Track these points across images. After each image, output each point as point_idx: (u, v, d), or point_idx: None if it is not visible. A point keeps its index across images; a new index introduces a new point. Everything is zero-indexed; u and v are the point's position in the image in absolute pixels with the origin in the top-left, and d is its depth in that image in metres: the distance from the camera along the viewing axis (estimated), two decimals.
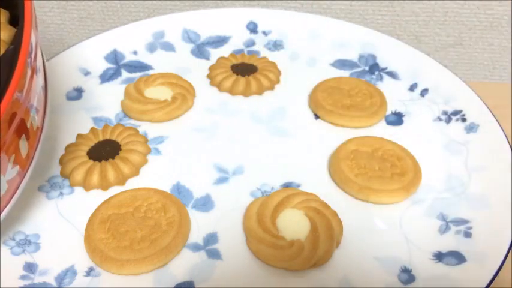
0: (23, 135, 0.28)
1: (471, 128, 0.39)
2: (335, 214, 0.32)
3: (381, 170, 0.35)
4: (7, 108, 0.24)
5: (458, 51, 0.58)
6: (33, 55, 0.28)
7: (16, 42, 0.27)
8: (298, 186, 0.35)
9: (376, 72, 0.46)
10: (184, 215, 0.32)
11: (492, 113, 0.39)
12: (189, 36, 0.49)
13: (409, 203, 0.35)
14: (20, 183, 0.29)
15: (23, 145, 0.28)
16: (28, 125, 0.28)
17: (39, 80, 0.30)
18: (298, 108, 0.42)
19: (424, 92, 0.43)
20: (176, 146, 0.38)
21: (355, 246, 0.32)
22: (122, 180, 0.35)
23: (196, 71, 0.46)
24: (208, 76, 0.45)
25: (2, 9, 0.30)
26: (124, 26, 0.48)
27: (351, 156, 0.36)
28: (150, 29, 0.48)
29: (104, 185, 0.35)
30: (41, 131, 0.31)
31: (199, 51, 0.48)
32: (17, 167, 0.28)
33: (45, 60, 0.33)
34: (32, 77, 0.28)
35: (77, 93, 0.43)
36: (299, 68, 0.47)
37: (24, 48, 0.26)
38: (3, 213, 0.28)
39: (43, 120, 0.32)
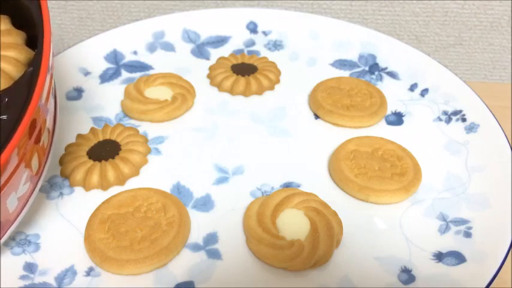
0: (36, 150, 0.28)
1: (471, 128, 0.39)
2: (335, 214, 0.32)
3: (381, 170, 0.35)
4: (18, 141, 0.25)
5: (458, 51, 0.58)
6: (49, 75, 0.28)
7: (35, 65, 0.27)
8: (298, 186, 0.35)
9: (376, 72, 0.46)
10: (184, 215, 0.32)
11: (492, 113, 0.39)
12: (189, 36, 0.49)
13: (409, 203, 0.35)
14: (33, 191, 0.30)
15: (35, 157, 0.28)
16: (41, 143, 0.28)
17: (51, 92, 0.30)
18: (298, 108, 0.42)
19: (424, 92, 0.43)
20: (176, 146, 0.38)
21: (355, 246, 0.32)
22: (122, 180, 0.35)
23: (196, 71, 0.45)
24: (208, 76, 0.45)
25: (19, 31, 0.30)
26: (124, 26, 0.48)
27: (350, 156, 0.36)
28: (150, 29, 0.48)
29: (104, 185, 0.35)
30: (53, 135, 0.31)
31: (199, 51, 0.48)
32: (29, 173, 0.28)
33: (53, 63, 0.33)
34: (47, 98, 0.28)
35: (77, 93, 0.43)
36: (299, 68, 0.46)
37: (42, 73, 0.27)
38: (15, 224, 0.29)
39: (54, 125, 0.32)
